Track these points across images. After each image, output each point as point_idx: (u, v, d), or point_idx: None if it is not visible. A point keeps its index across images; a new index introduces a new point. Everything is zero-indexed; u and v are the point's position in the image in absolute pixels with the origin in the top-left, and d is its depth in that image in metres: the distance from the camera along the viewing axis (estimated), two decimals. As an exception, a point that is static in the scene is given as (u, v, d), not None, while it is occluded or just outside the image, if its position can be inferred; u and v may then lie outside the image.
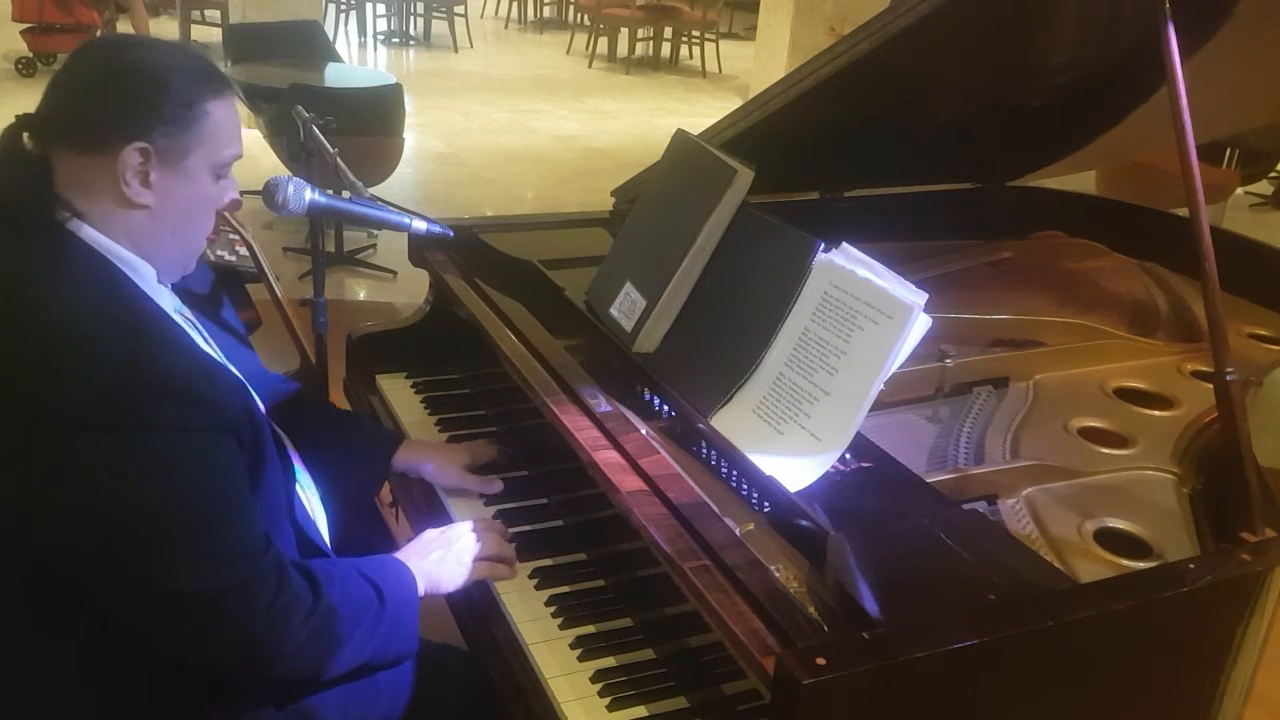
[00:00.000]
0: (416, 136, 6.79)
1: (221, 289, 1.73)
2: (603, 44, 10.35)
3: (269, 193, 1.83)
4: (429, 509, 1.79)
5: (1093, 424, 1.74)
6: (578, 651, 1.45)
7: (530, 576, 1.59)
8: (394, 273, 4.80)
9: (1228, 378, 1.41)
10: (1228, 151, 5.20)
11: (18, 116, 1.34)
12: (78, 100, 1.32)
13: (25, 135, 1.33)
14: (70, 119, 1.32)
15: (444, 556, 1.54)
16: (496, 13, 12.48)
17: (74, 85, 1.33)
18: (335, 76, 5.47)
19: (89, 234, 1.31)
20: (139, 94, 1.30)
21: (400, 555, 1.54)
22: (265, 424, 1.38)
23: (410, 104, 5.40)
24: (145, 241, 1.34)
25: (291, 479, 1.53)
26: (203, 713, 1.36)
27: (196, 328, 1.49)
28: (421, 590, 1.50)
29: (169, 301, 1.42)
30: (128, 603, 1.25)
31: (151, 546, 1.21)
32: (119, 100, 1.30)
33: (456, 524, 1.63)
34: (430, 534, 1.59)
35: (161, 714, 1.34)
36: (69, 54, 1.37)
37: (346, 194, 2.03)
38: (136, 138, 1.29)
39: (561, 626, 1.50)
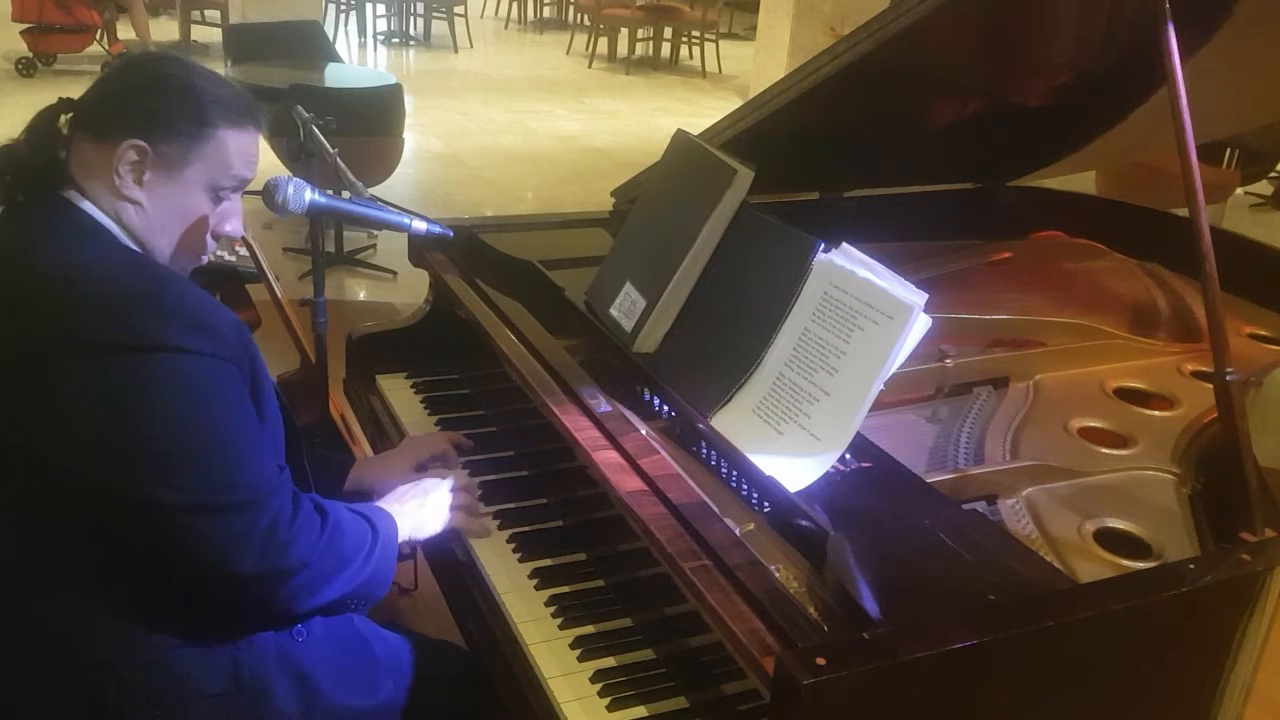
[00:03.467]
0: (416, 136, 6.78)
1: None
2: (603, 44, 10.34)
3: (269, 193, 1.83)
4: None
5: (1093, 424, 1.74)
6: (578, 651, 1.45)
7: (530, 576, 1.59)
8: (394, 273, 4.79)
9: (1228, 378, 1.41)
10: (1228, 151, 5.20)
11: (61, 99, 1.42)
12: (108, 95, 1.39)
13: (62, 117, 1.40)
14: (93, 109, 1.39)
15: (422, 503, 1.62)
16: (496, 13, 12.47)
17: (113, 83, 1.40)
18: (335, 77, 5.47)
19: (89, 208, 1.36)
20: (159, 100, 1.36)
21: (380, 504, 1.59)
22: (266, 373, 1.41)
23: (410, 104, 5.40)
24: (137, 232, 1.39)
25: (296, 441, 1.55)
26: (220, 680, 1.36)
27: None
28: (405, 534, 1.56)
29: None
30: (147, 521, 1.26)
31: (173, 461, 1.25)
32: (139, 101, 1.36)
33: (427, 479, 1.70)
34: (403, 486, 1.66)
35: (181, 673, 1.35)
36: (120, 59, 1.42)
37: (346, 194, 2.03)
38: (138, 135, 1.34)
39: (561, 626, 1.50)
